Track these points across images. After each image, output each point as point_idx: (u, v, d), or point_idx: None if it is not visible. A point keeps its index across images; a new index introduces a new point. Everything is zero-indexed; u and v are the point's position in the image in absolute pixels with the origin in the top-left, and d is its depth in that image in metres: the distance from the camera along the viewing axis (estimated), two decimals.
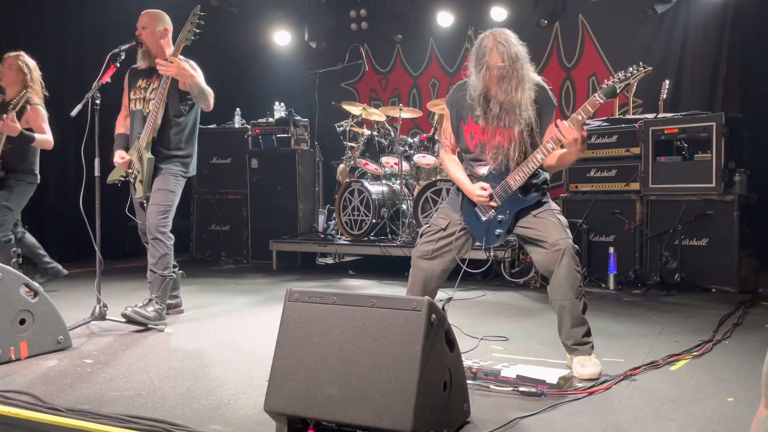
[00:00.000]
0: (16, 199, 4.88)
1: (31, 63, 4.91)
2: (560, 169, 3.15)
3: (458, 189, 3.22)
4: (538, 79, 3.05)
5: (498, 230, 3.08)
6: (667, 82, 6.11)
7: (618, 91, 2.87)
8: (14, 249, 4.82)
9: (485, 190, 3.06)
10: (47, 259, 5.23)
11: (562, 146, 2.93)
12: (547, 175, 3.17)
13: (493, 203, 3.07)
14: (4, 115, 4.59)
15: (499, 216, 3.08)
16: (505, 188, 3.05)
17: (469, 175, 3.17)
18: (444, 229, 3.16)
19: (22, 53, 4.91)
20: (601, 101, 2.87)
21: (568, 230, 3.00)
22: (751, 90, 6.60)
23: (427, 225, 3.26)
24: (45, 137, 4.82)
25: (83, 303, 4.24)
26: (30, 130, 4.77)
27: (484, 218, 3.12)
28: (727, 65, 6.69)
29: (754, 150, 5.81)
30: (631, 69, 2.87)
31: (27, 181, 4.94)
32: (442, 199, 5.78)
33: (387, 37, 8.48)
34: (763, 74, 6.53)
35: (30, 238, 5.17)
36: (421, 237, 3.25)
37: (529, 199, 3.05)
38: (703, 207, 5.19)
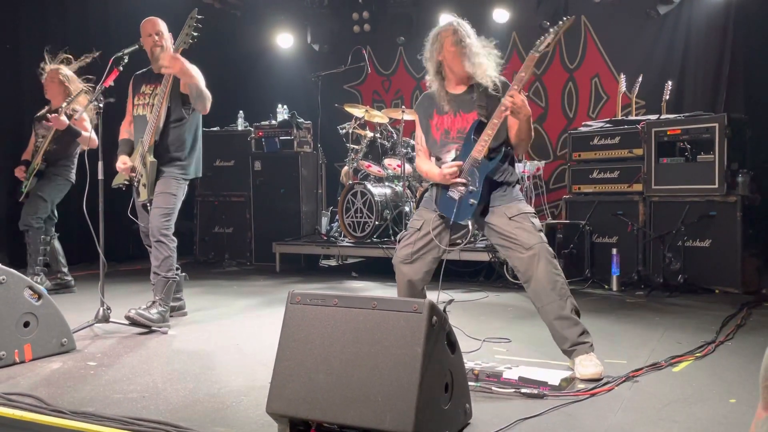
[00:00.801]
0: (49, 191, 5.18)
1: (71, 74, 5.22)
2: (522, 140, 3.12)
3: (431, 186, 3.29)
4: (496, 73, 3.19)
5: (471, 200, 3.07)
6: (670, 83, 6.12)
7: (550, 43, 3.05)
8: (44, 238, 5.14)
9: (452, 166, 3.11)
10: (65, 269, 5.38)
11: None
12: (517, 176, 3.26)
13: (461, 180, 3.09)
14: (53, 115, 4.95)
15: (471, 187, 3.09)
16: (471, 162, 3.08)
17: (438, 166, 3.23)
18: (419, 230, 3.19)
19: (62, 66, 5.22)
20: (538, 55, 3.04)
21: (542, 233, 3.02)
22: (754, 90, 6.58)
23: (404, 230, 3.30)
24: (90, 135, 5.02)
25: (87, 305, 4.26)
26: None
27: (457, 196, 3.12)
28: (729, 66, 6.67)
29: (758, 151, 5.80)
30: (559, 23, 3.08)
31: (64, 177, 5.25)
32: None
33: (390, 39, 8.50)
34: (767, 74, 6.52)
35: (58, 244, 5.37)
36: (399, 242, 3.30)
37: (493, 162, 3.07)
38: (706, 208, 5.19)
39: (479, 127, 3.09)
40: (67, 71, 5.21)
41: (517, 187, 3.20)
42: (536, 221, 3.05)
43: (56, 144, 5.15)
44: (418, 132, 3.36)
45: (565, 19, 3.09)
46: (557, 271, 2.96)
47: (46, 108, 5.27)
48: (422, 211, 3.28)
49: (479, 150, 3.06)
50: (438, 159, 3.25)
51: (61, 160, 5.22)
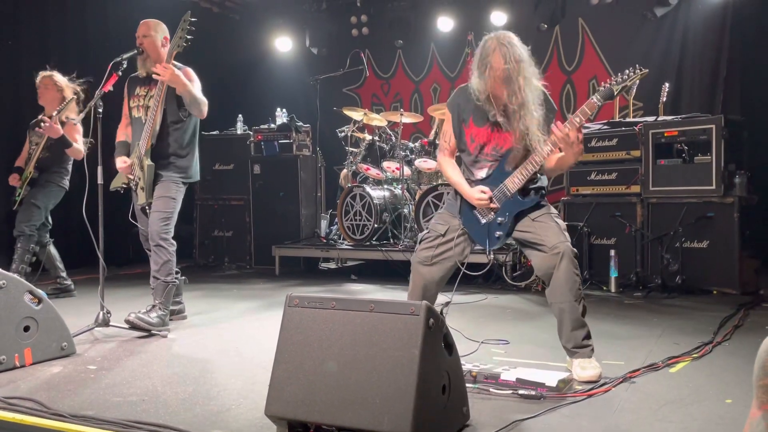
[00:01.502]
0: (43, 198, 5.16)
1: (64, 81, 5.22)
2: (559, 172, 3.17)
3: (456, 193, 3.23)
4: (544, 91, 3.08)
5: (498, 232, 3.08)
6: (667, 84, 6.12)
7: (615, 93, 2.90)
8: (33, 246, 5.12)
9: (485, 193, 3.08)
10: (64, 274, 5.40)
11: (560, 149, 2.95)
12: (545, 181, 3.18)
13: (493, 205, 3.08)
14: (47, 118, 4.96)
15: (499, 218, 3.08)
16: (504, 191, 3.06)
17: (467, 179, 3.18)
18: (443, 235, 3.16)
19: (55, 72, 5.22)
20: (599, 104, 2.90)
21: (567, 233, 3.01)
22: (751, 92, 6.60)
23: (426, 231, 3.28)
24: (78, 146, 5.09)
25: (87, 309, 4.27)
26: None
27: (483, 221, 3.12)
28: (726, 67, 6.69)
29: (755, 152, 5.81)
30: (628, 72, 2.90)
31: (57, 183, 5.23)
32: (444, 204, 5.80)
33: (388, 43, 8.52)
34: (763, 76, 6.54)
35: (54, 250, 5.40)
36: (420, 243, 3.26)
37: (528, 201, 3.06)
38: (704, 209, 5.20)
39: (517, 155, 3.04)
40: (60, 77, 5.21)
41: (542, 192, 3.14)
42: (560, 221, 3.04)
43: (49, 152, 5.14)
44: (448, 130, 3.25)
45: (639, 70, 2.89)
46: (577, 271, 2.96)
47: (40, 116, 5.26)
48: (446, 216, 3.25)
49: (515, 183, 3.03)
50: (469, 171, 3.20)
51: (53, 167, 5.21)
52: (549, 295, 3.02)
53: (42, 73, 5.23)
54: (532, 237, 3.03)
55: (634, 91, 6.17)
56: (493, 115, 3.03)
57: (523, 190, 3.06)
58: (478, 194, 3.09)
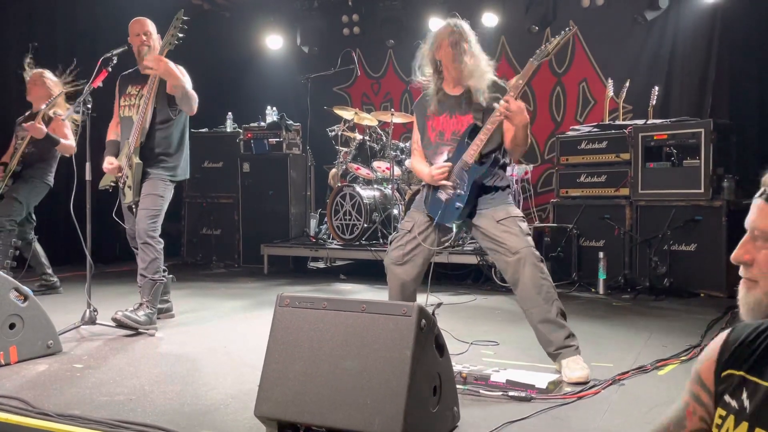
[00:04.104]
0: (25, 193, 5.08)
1: (54, 79, 5.19)
2: (517, 147, 3.13)
3: (423, 186, 3.31)
4: (494, 77, 3.20)
5: (458, 203, 3.10)
6: (657, 88, 6.16)
7: (549, 53, 3.04)
8: (15, 241, 5.03)
9: (442, 167, 3.13)
10: (49, 271, 5.33)
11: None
12: (509, 180, 3.27)
13: (449, 182, 3.12)
14: (29, 123, 4.90)
15: (459, 190, 3.11)
16: (462, 165, 3.10)
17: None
18: (410, 232, 3.20)
19: (46, 71, 5.20)
20: (537, 63, 3.03)
21: (530, 238, 3.03)
22: (739, 96, 6.64)
23: (395, 231, 3.31)
24: (68, 142, 5.04)
25: (73, 307, 4.23)
26: None
27: (444, 197, 3.15)
28: (716, 71, 6.74)
29: (743, 156, 5.85)
30: (562, 33, 3.05)
31: (40, 179, 5.16)
32: None
33: (379, 42, 8.50)
34: (752, 80, 6.59)
35: (39, 247, 5.30)
36: (390, 244, 3.30)
37: (484, 167, 3.09)
38: (692, 212, 5.23)
39: (474, 131, 3.10)
40: (50, 75, 5.18)
41: (508, 191, 3.21)
42: (524, 225, 3.06)
43: (35, 147, 5.06)
44: (415, 130, 3.38)
45: (567, 29, 3.08)
46: (543, 275, 2.97)
47: (28, 112, 5.22)
48: (413, 212, 3.29)
49: (471, 154, 3.08)
50: (431, 162, 3.25)
51: (38, 162, 5.13)
52: (521, 304, 3.04)
53: (33, 70, 5.19)
54: (494, 241, 3.05)
55: (624, 93, 6.20)
56: (439, 104, 3.19)
57: (480, 162, 3.11)
58: (435, 169, 3.15)
